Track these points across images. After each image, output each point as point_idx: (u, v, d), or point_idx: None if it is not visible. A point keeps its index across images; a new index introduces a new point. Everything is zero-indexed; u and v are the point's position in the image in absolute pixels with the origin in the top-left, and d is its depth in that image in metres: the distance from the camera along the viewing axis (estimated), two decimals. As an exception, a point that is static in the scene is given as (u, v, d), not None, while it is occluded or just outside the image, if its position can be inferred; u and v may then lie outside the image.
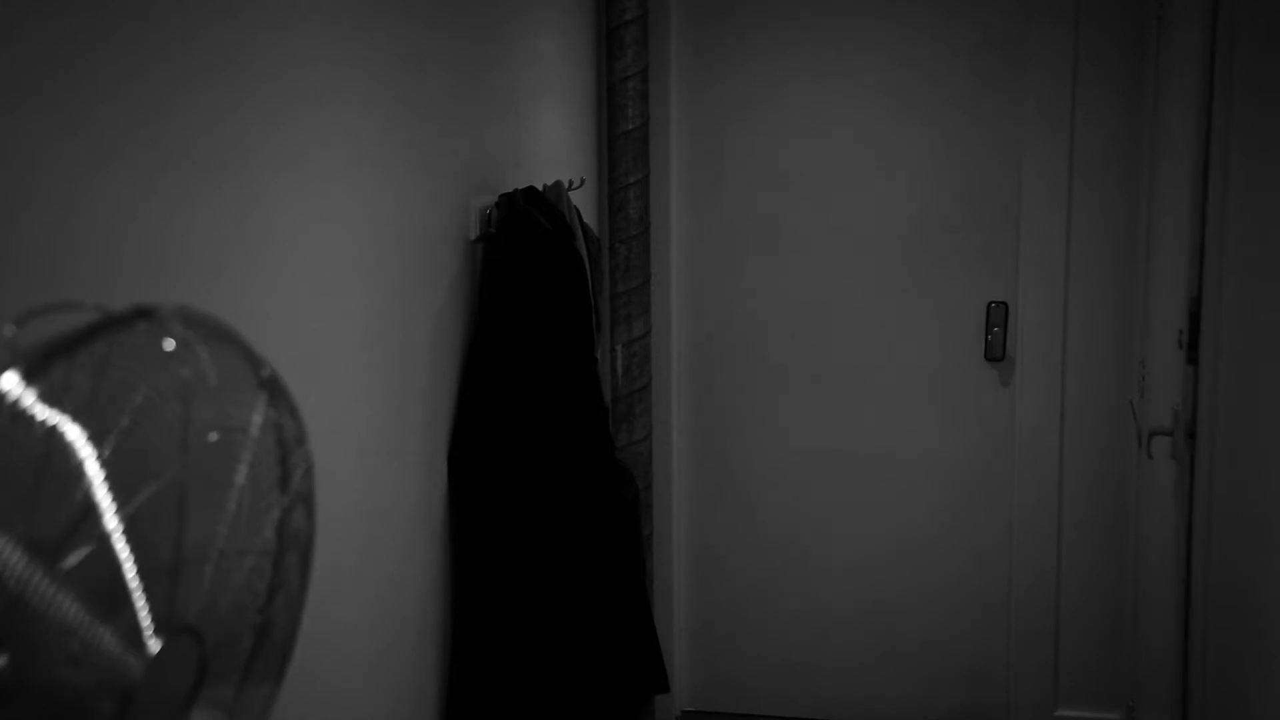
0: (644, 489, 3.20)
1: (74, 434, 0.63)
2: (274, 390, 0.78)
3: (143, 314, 0.67)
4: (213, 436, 0.72)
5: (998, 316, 3.23)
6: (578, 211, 2.49)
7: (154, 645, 0.68)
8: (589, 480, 2.14)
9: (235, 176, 1.27)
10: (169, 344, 0.69)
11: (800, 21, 3.28)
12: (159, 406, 0.69)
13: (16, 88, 0.93)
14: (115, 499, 0.65)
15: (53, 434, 0.62)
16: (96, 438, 0.64)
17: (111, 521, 0.65)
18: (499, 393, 2.06)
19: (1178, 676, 2.30)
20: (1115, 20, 3.09)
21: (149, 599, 0.68)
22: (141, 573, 0.67)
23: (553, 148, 2.77)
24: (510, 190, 2.21)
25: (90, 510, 0.64)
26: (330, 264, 1.53)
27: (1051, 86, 3.14)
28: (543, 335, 2.10)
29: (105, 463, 0.65)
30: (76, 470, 0.63)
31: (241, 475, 0.75)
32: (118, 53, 1.06)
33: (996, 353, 3.24)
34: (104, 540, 0.64)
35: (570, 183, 2.61)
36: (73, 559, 0.63)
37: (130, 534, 0.66)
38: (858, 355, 3.34)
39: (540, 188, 2.30)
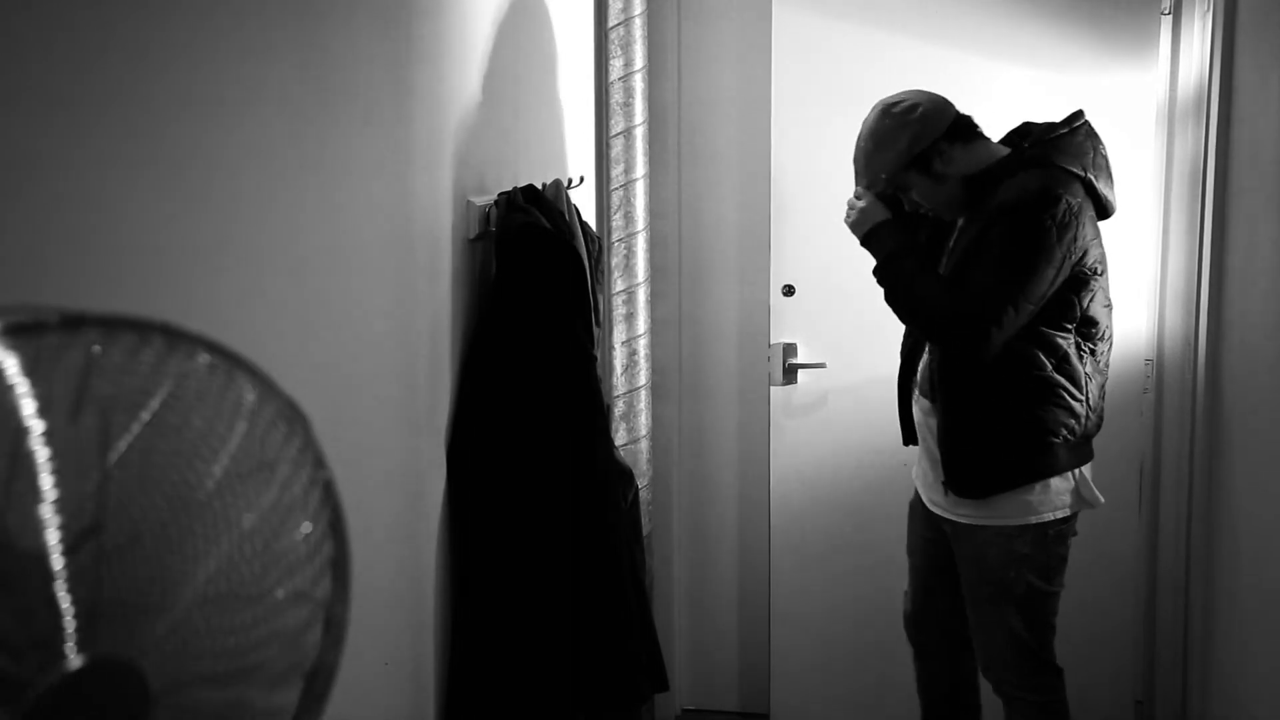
0: (643, 487, 3.20)
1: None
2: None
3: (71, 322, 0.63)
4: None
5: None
6: (577, 210, 2.48)
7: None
8: (588, 478, 2.14)
9: (231, 176, 1.27)
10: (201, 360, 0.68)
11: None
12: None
13: (9, 86, 0.92)
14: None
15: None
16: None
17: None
18: (498, 391, 2.06)
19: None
20: None
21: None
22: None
23: (553, 147, 2.77)
24: (510, 189, 2.20)
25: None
26: (327, 264, 1.52)
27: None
28: (541, 334, 2.09)
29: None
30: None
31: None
32: (114, 49, 1.06)
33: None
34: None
35: (570, 181, 2.60)
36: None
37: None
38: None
39: (540, 186, 2.30)
